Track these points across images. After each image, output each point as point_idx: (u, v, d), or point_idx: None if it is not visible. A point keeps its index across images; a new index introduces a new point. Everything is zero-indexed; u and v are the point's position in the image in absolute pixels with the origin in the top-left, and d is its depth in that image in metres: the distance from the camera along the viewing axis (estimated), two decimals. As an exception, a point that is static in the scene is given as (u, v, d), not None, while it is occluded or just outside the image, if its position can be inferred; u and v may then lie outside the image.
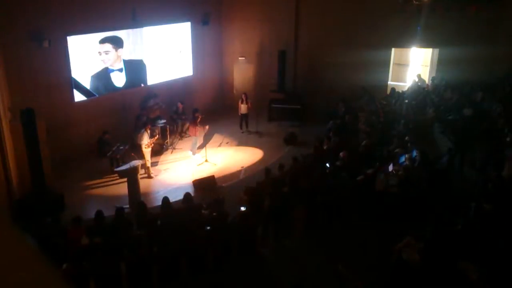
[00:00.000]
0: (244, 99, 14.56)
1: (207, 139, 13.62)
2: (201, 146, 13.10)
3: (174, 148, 13.55)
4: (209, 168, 12.21)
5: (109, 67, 13.13)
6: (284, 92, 15.86)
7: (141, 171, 10.92)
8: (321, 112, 14.73)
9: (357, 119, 13.44)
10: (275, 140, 14.13)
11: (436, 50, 15.37)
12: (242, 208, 8.42)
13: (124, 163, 10.74)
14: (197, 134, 12.96)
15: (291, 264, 7.54)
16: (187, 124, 14.58)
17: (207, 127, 13.21)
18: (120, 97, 13.58)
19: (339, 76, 15.31)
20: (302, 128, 14.95)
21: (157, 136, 12.57)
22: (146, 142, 11.38)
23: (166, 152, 13.27)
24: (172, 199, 8.88)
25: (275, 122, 15.54)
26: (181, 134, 14.46)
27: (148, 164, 11.57)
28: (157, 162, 12.60)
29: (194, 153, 13.03)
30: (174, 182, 11.47)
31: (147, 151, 11.44)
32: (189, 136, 14.40)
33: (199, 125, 12.87)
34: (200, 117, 12.97)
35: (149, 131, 11.66)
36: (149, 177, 11.61)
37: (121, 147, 11.59)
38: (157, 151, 12.67)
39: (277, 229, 8.59)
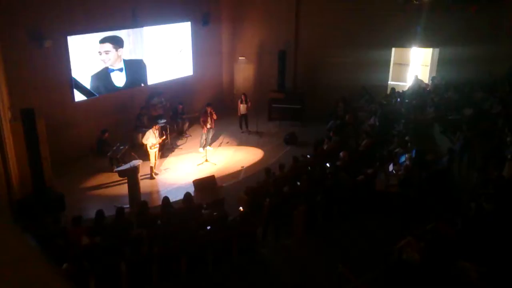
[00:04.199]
0: (243, 99, 14.58)
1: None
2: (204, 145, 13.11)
3: (174, 148, 13.56)
4: (209, 168, 12.21)
5: (110, 67, 13.14)
6: (284, 92, 15.86)
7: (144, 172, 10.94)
8: (321, 112, 14.73)
9: (357, 119, 13.45)
10: (275, 140, 14.14)
11: (436, 50, 15.37)
12: (240, 209, 8.42)
13: (124, 162, 10.74)
14: (205, 131, 13.02)
15: (291, 264, 7.54)
16: (187, 124, 14.62)
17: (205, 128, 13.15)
18: (121, 97, 13.58)
19: (339, 76, 15.30)
20: (302, 128, 14.96)
21: (165, 136, 12.54)
22: (151, 143, 11.34)
23: (167, 151, 13.26)
24: (172, 199, 8.89)
25: (275, 122, 15.54)
26: (181, 134, 14.47)
27: (151, 164, 11.55)
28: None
29: (200, 147, 13.17)
30: (174, 182, 11.48)
31: (152, 152, 11.41)
32: (190, 136, 14.46)
33: (209, 120, 12.92)
34: (209, 110, 12.98)
35: (156, 131, 11.59)
36: (152, 177, 11.60)
37: (121, 147, 11.59)
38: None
39: (277, 229, 8.59)
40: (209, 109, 12.99)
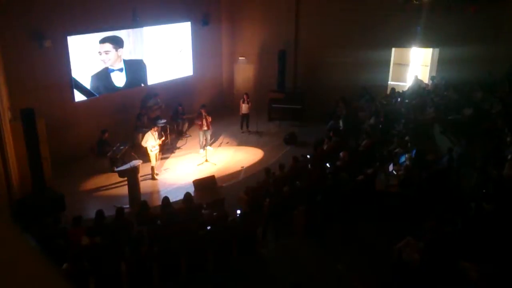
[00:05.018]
0: (245, 99, 14.58)
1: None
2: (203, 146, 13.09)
3: (174, 148, 13.56)
4: (209, 168, 12.21)
5: (109, 67, 13.13)
6: (284, 92, 15.87)
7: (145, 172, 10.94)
8: (321, 112, 14.74)
9: (357, 119, 13.45)
10: (275, 140, 14.14)
11: (436, 50, 15.37)
12: (238, 211, 8.42)
13: (124, 163, 10.74)
14: (200, 129, 12.99)
15: (291, 264, 7.54)
16: (187, 124, 14.62)
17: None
18: (120, 97, 13.58)
19: (339, 76, 15.31)
20: (302, 128, 14.96)
21: (164, 137, 12.50)
22: (151, 145, 11.32)
23: (166, 152, 13.26)
24: (172, 199, 8.89)
25: (275, 122, 15.55)
26: (181, 134, 14.47)
27: (153, 164, 11.53)
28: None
29: (200, 147, 13.11)
30: (174, 182, 11.47)
31: (152, 154, 11.38)
32: (190, 136, 14.47)
33: (204, 121, 12.86)
34: (203, 112, 12.90)
35: (155, 134, 11.55)
36: (153, 178, 11.58)
37: (121, 147, 11.58)
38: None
39: (277, 229, 8.59)
40: (203, 112, 12.95)
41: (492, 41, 13.92)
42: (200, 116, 12.93)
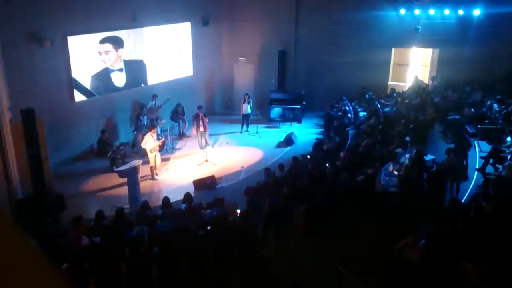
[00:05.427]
0: (246, 99, 14.59)
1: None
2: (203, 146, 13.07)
3: (174, 149, 13.56)
4: (209, 168, 12.20)
5: (110, 67, 13.13)
6: (284, 92, 15.89)
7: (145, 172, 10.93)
8: (321, 112, 14.75)
9: (357, 119, 13.46)
10: (275, 140, 14.14)
11: (436, 50, 15.38)
12: (238, 211, 8.42)
13: (124, 163, 10.74)
14: (196, 131, 12.96)
15: (291, 264, 7.54)
16: (186, 124, 14.61)
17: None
18: (120, 97, 13.58)
19: (339, 76, 15.32)
20: (302, 128, 14.96)
21: (163, 138, 12.49)
22: (150, 146, 11.30)
23: (166, 152, 13.25)
24: (172, 199, 8.89)
25: (275, 122, 15.56)
26: (181, 134, 14.47)
27: (152, 165, 11.53)
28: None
29: (200, 148, 13.06)
30: (174, 182, 11.47)
31: (151, 155, 11.37)
32: (189, 136, 14.46)
33: (200, 122, 12.81)
34: (200, 113, 12.87)
35: (154, 135, 11.54)
36: (153, 178, 11.59)
37: (121, 147, 11.58)
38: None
39: (277, 229, 8.59)
40: (200, 113, 12.90)
41: (492, 41, 13.93)
42: (197, 117, 12.90)
